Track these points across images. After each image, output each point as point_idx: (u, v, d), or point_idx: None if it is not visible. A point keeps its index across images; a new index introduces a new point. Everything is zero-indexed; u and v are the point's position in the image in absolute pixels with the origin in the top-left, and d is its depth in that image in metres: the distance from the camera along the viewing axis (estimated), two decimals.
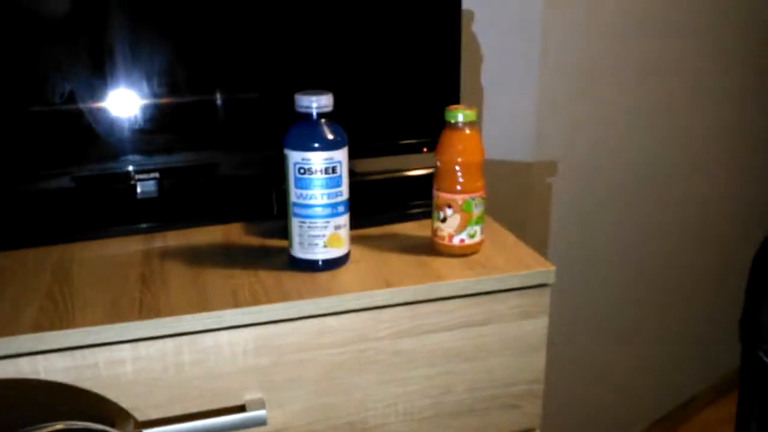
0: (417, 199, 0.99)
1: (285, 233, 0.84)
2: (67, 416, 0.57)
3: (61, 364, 0.71)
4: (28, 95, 0.89)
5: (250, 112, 0.98)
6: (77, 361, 0.72)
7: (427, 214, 0.92)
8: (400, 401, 0.83)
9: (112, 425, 0.62)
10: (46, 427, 0.53)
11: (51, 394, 0.71)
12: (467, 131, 0.83)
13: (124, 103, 0.92)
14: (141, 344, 0.73)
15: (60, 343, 0.70)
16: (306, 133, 0.78)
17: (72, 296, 0.77)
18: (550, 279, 0.83)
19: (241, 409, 0.76)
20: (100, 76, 0.90)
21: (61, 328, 0.70)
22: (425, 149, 1.04)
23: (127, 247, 0.91)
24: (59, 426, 0.54)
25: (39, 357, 0.70)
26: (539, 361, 0.87)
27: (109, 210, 0.99)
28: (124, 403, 0.74)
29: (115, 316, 0.72)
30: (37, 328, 0.70)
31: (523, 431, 0.90)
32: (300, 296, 0.76)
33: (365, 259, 0.85)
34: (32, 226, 0.95)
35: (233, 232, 0.95)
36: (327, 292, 0.77)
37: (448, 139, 0.83)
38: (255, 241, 0.92)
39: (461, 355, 0.83)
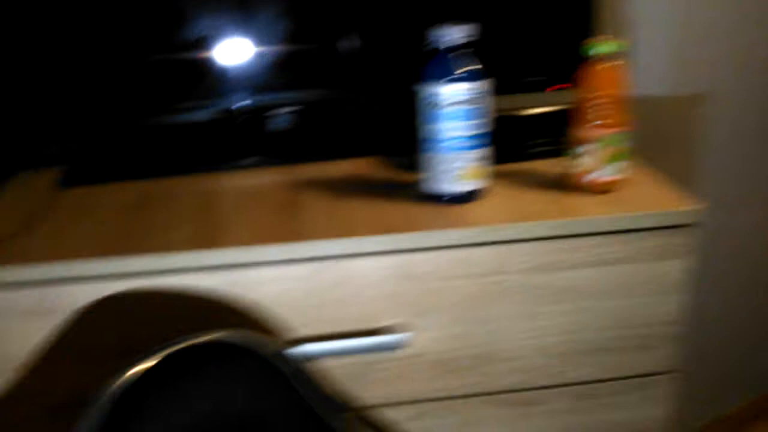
0: (542, 137, 0.97)
1: (419, 167, 0.85)
2: (223, 328, 0.62)
3: (208, 283, 0.77)
4: (179, 34, 0.95)
5: (383, 47, 1.00)
6: (224, 279, 0.77)
7: (554, 153, 0.91)
8: (533, 335, 0.84)
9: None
10: (206, 335, 0.59)
11: (207, 308, 0.78)
12: (611, 64, 0.80)
13: (263, 40, 0.96)
14: (284, 266, 0.78)
15: (208, 261, 0.76)
16: (438, 66, 0.78)
17: (217, 221, 0.83)
18: (694, 219, 0.80)
19: (380, 332, 0.80)
20: (241, 16, 0.95)
21: (209, 248, 0.76)
22: (559, 86, 1.02)
23: (267, 178, 0.96)
24: (220, 334, 0.59)
25: (188, 275, 0.77)
26: (678, 303, 0.85)
27: (248, 142, 1.04)
28: (266, 323, 0.80)
29: (260, 238, 0.78)
30: (187, 247, 0.77)
31: (659, 372, 0.89)
32: (437, 227, 0.78)
33: (499, 194, 0.85)
34: (179, 156, 1.02)
35: (369, 166, 0.97)
36: (464, 223, 0.78)
37: (592, 72, 0.81)
38: (390, 174, 0.94)
39: (596, 293, 0.82)
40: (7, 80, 0.94)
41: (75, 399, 0.76)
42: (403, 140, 0.93)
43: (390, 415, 0.86)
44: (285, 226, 0.80)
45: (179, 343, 0.56)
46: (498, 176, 0.90)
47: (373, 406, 0.85)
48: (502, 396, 0.87)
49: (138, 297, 0.76)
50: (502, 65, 1.00)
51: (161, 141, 1.04)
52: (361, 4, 0.97)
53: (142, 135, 1.04)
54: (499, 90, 0.87)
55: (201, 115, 1.00)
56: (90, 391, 0.54)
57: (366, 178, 0.93)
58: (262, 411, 0.61)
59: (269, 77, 0.98)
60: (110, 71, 0.96)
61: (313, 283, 0.78)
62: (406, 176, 0.91)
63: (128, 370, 0.54)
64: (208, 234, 0.79)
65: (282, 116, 1.01)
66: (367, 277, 0.79)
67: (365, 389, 0.84)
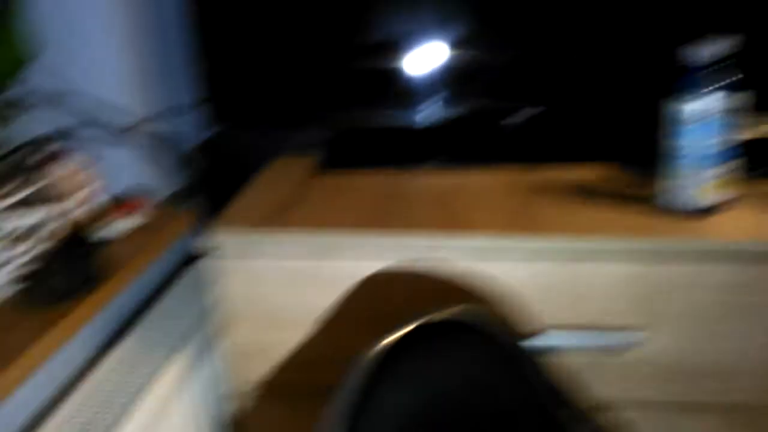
0: None
1: (659, 178, 0.86)
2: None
3: (453, 267, 0.85)
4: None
5: (633, 60, 1.01)
6: (467, 265, 0.85)
7: None
8: None
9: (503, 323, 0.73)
10: (453, 310, 0.66)
11: (451, 290, 0.86)
12: None
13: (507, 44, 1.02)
14: (523, 261, 0.84)
15: (455, 245, 0.84)
16: (687, 82, 0.78)
17: (458, 212, 0.91)
18: None
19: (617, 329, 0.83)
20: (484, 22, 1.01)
21: (457, 231, 0.85)
22: None
23: (503, 178, 1.02)
24: (463, 307, 0.66)
25: (435, 256, 0.85)
26: None
27: (485, 142, 1.11)
28: (505, 310, 0.86)
29: (502, 228, 0.84)
30: (435, 230, 0.85)
31: None
32: (677, 235, 0.79)
33: (744, 210, 0.84)
34: (421, 150, 1.12)
35: (604, 173, 1.00)
36: (703, 235, 0.78)
37: None
38: (626, 183, 0.96)
39: None
40: (308, 78, 1.09)
41: (335, 359, 0.88)
42: (641, 150, 0.94)
43: (610, 414, 0.88)
44: (521, 222, 0.86)
45: (429, 315, 0.64)
46: (745, 191, 0.88)
47: (594, 404, 0.88)
48: (729, 413, 0.86)
49: (396, 274, 0.86)
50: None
51: (407, 135, 1.14)
52: (610, 20, 0.99)
53: (391, 129, 1.15)
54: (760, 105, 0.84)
55: (442, 114, 1.08)
56: (348, 354, 0.64)
57: (602, 185, 0.96)
58: (489, 390, 0.67)
59: (510, 78, 1.04)
60: (362, 69, 1.07)
61: (548, 279, 0.83)
62: (643, 186, 0.93)
63: (385, 338, 0.63)
64: (452, 222, 0.87)
65: (521, 118, 1.06)
66: (601, 279, 0.82)
67: (589, 386, 0.87)
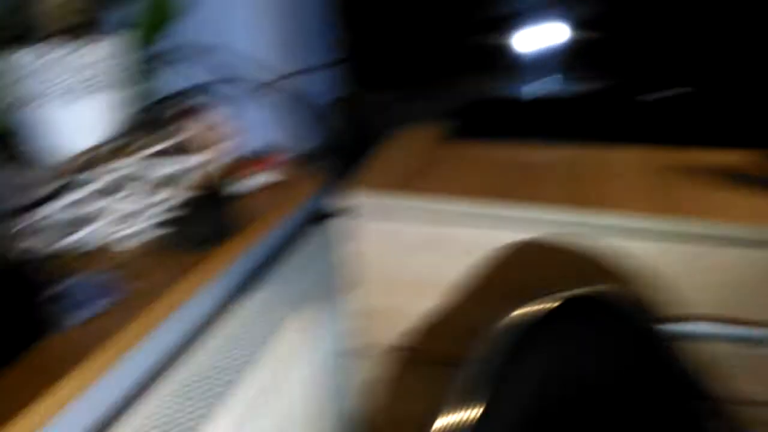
0: None
1: None
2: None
3: (585, 243, 0.81)
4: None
5: None
6: (602, 242, 0.81)
7: None
8: None
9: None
10: (596, 286, 0.63)
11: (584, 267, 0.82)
12: None
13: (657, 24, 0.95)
14: (664, 242, 0.78)
15: (586, 222, 0.80)
16: None
17: (591, 188, 0.86)
18: None
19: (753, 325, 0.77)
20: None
21: (589, 209, 0.80)
22: None
23: (641, 157, 0.96)
24: (606, 286, 0.63)
25: (564, 231, 0.82)
26: None
27: (625, 120, 1.05)
28: (645, 292, 0.81)
29: (637, 207, 0.79)
30: (566, 205, 0.81)
31: None
32: None
33: None
34: (550, 125, 1.08)
35: (750, 159, 0.92)
36: None
37: None
38: None
39: None
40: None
41: (462, 328, 0.86)
42: None
43: (747, 411, 0.82)
44: (658, 202, 0.80)
45: (572, 291, 0.61)
46: None
47: (730, 398, 0.82)
48: None
49: (530, 246, 0.84)
50: None
51: (538, 109, 1.10)
52: None
53: (522, 101, 1.11)
54: None
55: (576, 89, 1.03)
56: (476, 324, 0.62)
57: (747, 170, 0.89)
58: (623, 372, 0.63)
59: (649, 55, 0.97)
60: (495, 41, 1.04)
61: (686, 262, 0.78)
62: None
63: (523, 310, 0.61)
64: (584, 198, 0.83)
65: (659, 96, 1.00)
66: (743, 267, 0.76)
67: (727, 380, 0.81)
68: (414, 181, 0.92)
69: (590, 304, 0.64)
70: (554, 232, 0.82)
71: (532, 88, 1.05)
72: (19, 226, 0.78)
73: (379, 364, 0.98)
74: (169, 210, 0.87)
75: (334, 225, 1.09)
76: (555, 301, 0.61)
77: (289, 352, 0.85)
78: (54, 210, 0.80)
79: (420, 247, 0.89)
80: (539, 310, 0.60)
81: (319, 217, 1.14)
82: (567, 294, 0.62)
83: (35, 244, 0.78)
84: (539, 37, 1.02)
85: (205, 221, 0.86)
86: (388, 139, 1.12)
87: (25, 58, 0.83)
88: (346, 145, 1.18)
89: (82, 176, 0.83)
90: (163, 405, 0.72)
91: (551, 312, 0.60)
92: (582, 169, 0.93)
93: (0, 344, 0.60)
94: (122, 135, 0.90)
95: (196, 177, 0.92)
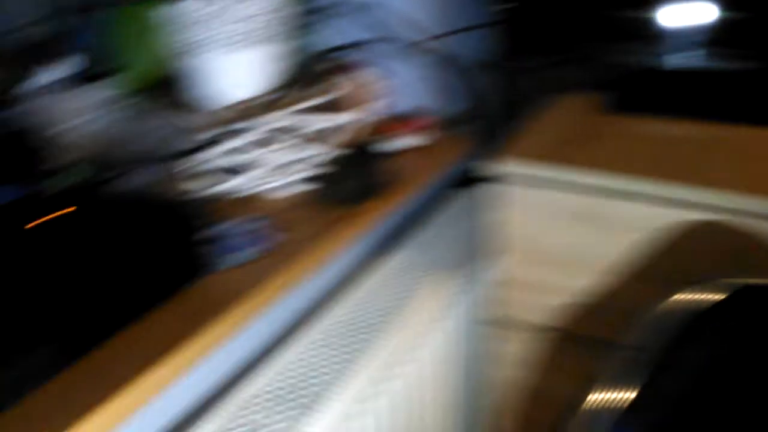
0: None
1: None
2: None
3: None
4: None
5: None
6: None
7: None
8: None
9: None
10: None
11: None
12: None
13: None
14: None
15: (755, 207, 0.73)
16: None
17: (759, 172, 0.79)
18: None
19: None
20: None
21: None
22: None
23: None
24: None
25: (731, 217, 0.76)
26: None
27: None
28: None
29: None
30: (732, 186, 0.75)
31: None
32: None
33: None
34: (712, 103, 0.99)
35: None
36: None
37: None
38: None
39: None
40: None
41: (609, 309, 0.82)
42: None
43: None
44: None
45: (745, 280, 0.56)
46: None
47: None
48: None
49: (689, 228, 0.78)
50: None
51: (701, 83, 1.01)
52: None
53: (684, 74, 1.03)
54: None
55: (743, 64, 0.94)
56: (628, 306, 0.58)
57: None
58: None
59: None
60: (647, 17, 0.96)
61: None
62: None
63: (687, 296, 0.56)
64: (753, 182, 0.76)
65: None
66: None
67: None
68: (567, 151, 0.88)
69: (763, 296, 0.58)
70: (722, 216, 0.76)
71: (688, 62, 0.97)
72: (179, 169, 0.81)
73: (517, 337, 0.96)
74: (319, 165, 0.88)
75: (480, 191, 1.06)
76: (722, 290, 0.56)
77: (425, 316, 0.84)
78: (211, 156, 0.83)
79: (570, 220, 0.85)
80: (705, 299, 0.56)
81: (464, 182, 1.12)
82: (737, 283, 0.56)
83: (193, 187, 0.82)
84: (695, 11, 0.94)
85: (353, 178, 0.86)
86: (539, 107, 1.07)
87: (193, 5, 0.86)
88: (495, 110, 1.14)
89: (239, 125, 0.85)
90: (302, 355, 0.74)
91: (721, 302, 0.55)
92: (751, 151, 0.85)
93: (158, 280, 0.63)
94: (279, 88, 0.91)
95: (346, 134, 0.93)
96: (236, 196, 0.87)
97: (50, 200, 0.62)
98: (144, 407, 0.61)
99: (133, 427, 0.62)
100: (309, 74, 1.03)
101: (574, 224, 0.85)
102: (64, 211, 0.64)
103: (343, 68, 1.02)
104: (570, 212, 0.85)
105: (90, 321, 0.56)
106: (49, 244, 0.58)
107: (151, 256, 0.61)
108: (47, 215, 0.58)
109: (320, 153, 0.88)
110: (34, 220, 0.57)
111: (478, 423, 1.08)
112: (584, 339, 0.89)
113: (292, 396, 0.68)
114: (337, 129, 0.92)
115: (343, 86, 0.98)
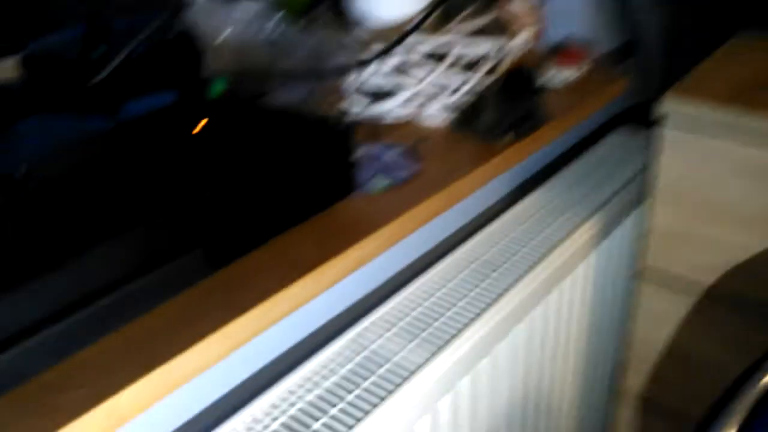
0: None
1: None
2: None
3: None
4: None
5: None
6: None
7: None
8: None
9: None
10: None
11: None
12: None
13: None
14: None
15: None
16: None
17: None
18: None
19: None
20: None
21: None
22: None
23: None
24: None
25: None
26: None
27: None
28: None
29: None
30: None
31: None
32: None
33: None
34: None
35: None
36: None
37: None
38: None
39: None
40: None
41: None
42: None
43: None
44: None
45: None
46: None
47: None
48: None
49: None
50: None
51: None
52: None
53: None
54: None
55: None
56: None
57: None
58: None
59: None
60: None
61: None
62: None
63: None
64: None
65: None
66: None
67: None
68: (749, 96, 0.79)
69: None
70: None
71: None
72: (331, 88, 0.80)
73: (666, 294, 0.89)
74: (477, 92, 0.84)
75: (641, 133, 0.99)
76: None
77: (564, 261, 0.80)
78: (367, 76, 0.81)
79: (746, 173, 0.77)
80: None
81: (621, 124, 1.04)
82: None
83: (348, 106, 0.80)
84: None
85: (510, 110, 0.81)
86: (716, 46, 0.97)
87: None
88: (661, 44, 1.05)
89: (391, 47, 0.82)
90: (433, 288, 0.72)
91: None
92: None
93: (304, 197, 0.62)
94: (433, 10, 0.87)
95: (506, 62, 0.88)
96: (389, 119, 0.84)
97: (209, 107, 0.62)
98: (278, 322, 0.62)
99: (271, 338, 0.62)
100: None
101: (750, 178, 0.77)
102: (221, 119, 0.64)
103: None
104: (746, 164, 0.76)
105: (237, 231, 0.56)
106: (206, 150, 0.58)
107: (300, 171, 0.60)
108: (207, 121, 0.58)
109: (479, 80, 0.84)
110: (195, 124, 0.57)
111: (603, 378, 1.04)
112: (749, 303, 0.82)
113: (417, 328, 0.66)
114: (499, 55, 0.87)
115: (507, 11, 0.92)
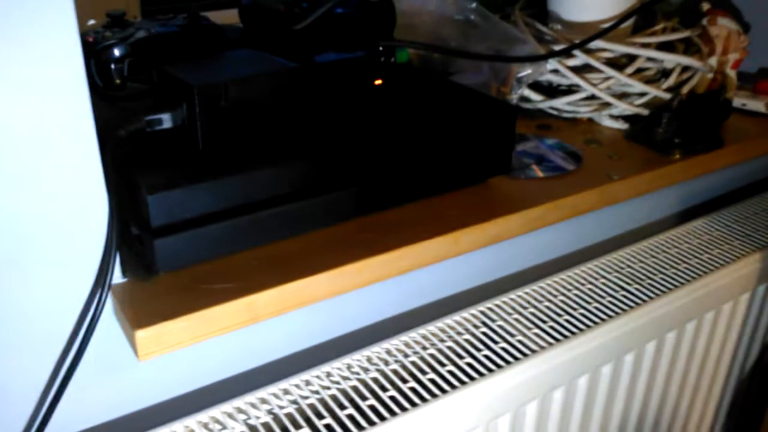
0: None
1: None
2: None
3: None
4: None
5: None
6: None
7: None
8: None
9: None
10: None
11: None
12: None
13: None
14: None
15: None
16: None
17: None
18: None
19: None
20: None
21: None
22: None
23: None
24: None
25: None
26: None
27: None
28: None
29: None
30: None
31: None
32: None
33: None
34: None
35: None
36: None
37: None
38: None
39: None
40: None
41: None
42: None
43: None
44: None
45: None
46: None
47: None
48: None
49: None
50: None
51: None
52: None
53: None
54: None
55: None
56: None
57: None
58: None
59: None
60: None
61: None
62: None
63: None
64: None
65: None
66: None
67: None
68: None
69: None
70: None
71: None
72: (513, 77, 0.82)
73: None
74: (657, 105, 0.83)
75: None
76: None
77: (719, 293, 0.77)
78: (547, 71, 0.82)
79: None
80: None
81: None
82: None
83: (522, 96, 0.82)
84: None
85: (688, 128, 0.79)
86: None
87: None
88: None
89: (582, 47, 0.82)
90: (578, 282, 0.72)
91: None
92: None
93: (464, 166, 0.65)
94: (632, 14, 0.86)
95: (695, 80, 0.85)
96: (562, 115, 0.85)
97: (392, 69, 0.67)
98: (413, 280, 0.66)
99: (402, 292, 0.66)
100: (668, 7, 0.96)
101: None
102: (402, 81, 0.69)
103: (709, 12, 0.93)
104: None
105: (393, 182, 0.60)
106: (382, 105, 0.63)
107: (462, 142, 0.63)
108: (388, 79, 0.63)
109: (653, 93, 0.82)
110: (376, 79, 0.62)
111: (731, 424, 0.98)
112: None
113: (541, 319, 0.67)
114: (689, 71, 0.85)
115: (699, 30, 0.90)
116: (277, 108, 0.55)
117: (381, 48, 0.65)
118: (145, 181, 0.49)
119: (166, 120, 0.53)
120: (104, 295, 0.49)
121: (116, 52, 0.60)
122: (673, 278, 0.74)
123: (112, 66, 0.60)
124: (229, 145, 0.53)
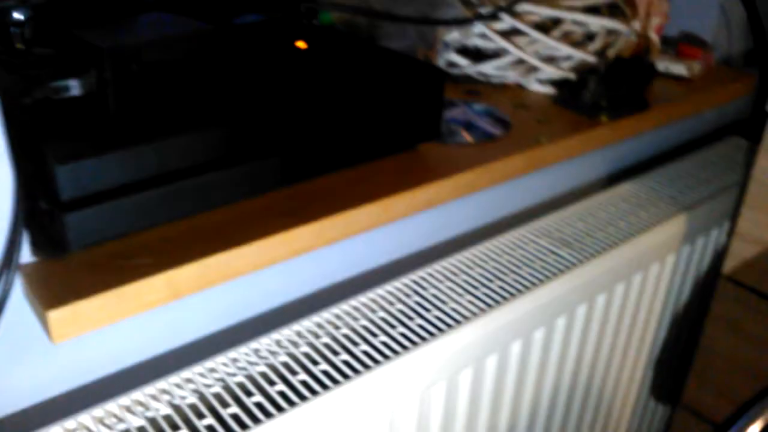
0: None
1: None
2: None
3: None
4: None
5: None
6: None
7: None
8: None
9: None
10: None
11: None
12: None
13: None
14: None
15: None
16: None
17: None
18: None
19: None
20: None
21: None
22: None
23: None
24: None
25: None
26: None
27: None
28: None
29: None
30: None
31: None
32: None
33: None
34: None
35: None
36: None
37: None
38: None
39: None
40: None
41: None
42: None
43: None
44: None
45: None
46: None
47: None
48: None
49: None
50: None
51: None
52: None
53: None
54: None
55: None
56: None
57: None
58: None
59: None
60: None
61: None
62: None
63: None
64: None
65: None
66: None
67: None
68: None
69: None
70: None
71: None
72: (439, 41, 0.81)
73: (746, 304, 0.86)
74: (583, 69, 0.83)
75: (749, 147, 0.95)
76: None
77: (647, 255, 0.78)
78: (467, 35, 0.81)
79: None
80: None
81: (734, 126, 1.00)
82: None
83: (449, 61, 0.81)
84: None
85: (613, 91, 0.80)
86: None
87: None
88: None
89: (508, 11, 0.82)
90: (509, 247, 0.72)
91: None
92: None
93: (390, 133, 0.63)
94: None
95: (619, 44, 0.86)
96: (490, 80, 0.85)
97: (313, 31, 0.64)
98: (343, 249, 0.64)
99: (331, 263, 0.65)
100: None
101: None
102: (323, 45, 0.67)
103: None
104: None
105: (317, 150, 0.58)
106: (303, 69, 0.60)
107: (389, 108, 0.61)
108: (308, 42, 0.60)
109: (579, 56, 0.83)
110: (295, 41, 0.60)
111: (660, 376, 1.01)
112: None
113: (474, 285, 0.67)
114: (613, 35, 0.86)
115: None
116: (193, 72, 0.52)
117: (302, 9, 0.62)
118: (52, 151, 0.46)
119: (74, 86, 0.50)
120: (11, 275, 0.46)
121: (16, 15, 0.56)
122: (602, 241, 0.75)
123: (11, 30, 0.55)
124: (143, 113, 0.50)
